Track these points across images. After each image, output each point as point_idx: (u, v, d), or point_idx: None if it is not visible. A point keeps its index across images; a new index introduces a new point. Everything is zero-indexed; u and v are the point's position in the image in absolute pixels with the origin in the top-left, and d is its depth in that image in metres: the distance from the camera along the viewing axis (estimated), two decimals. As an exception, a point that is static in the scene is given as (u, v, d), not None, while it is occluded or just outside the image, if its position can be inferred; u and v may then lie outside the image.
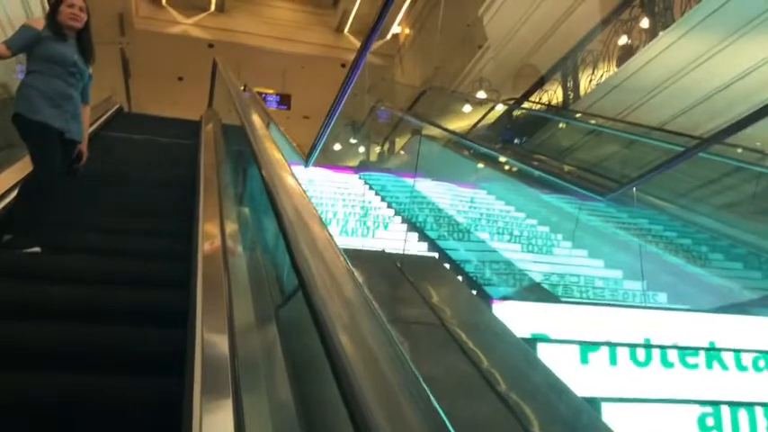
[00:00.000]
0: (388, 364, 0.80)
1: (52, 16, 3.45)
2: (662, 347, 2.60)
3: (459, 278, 3.78)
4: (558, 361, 2.36)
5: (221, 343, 1.73)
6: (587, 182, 4.80)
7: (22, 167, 3.74)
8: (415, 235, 5.95)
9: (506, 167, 7.98)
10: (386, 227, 6.06)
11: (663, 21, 6.67)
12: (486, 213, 6.55)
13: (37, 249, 3.09)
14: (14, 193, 3.46)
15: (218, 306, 2.00)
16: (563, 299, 3.53)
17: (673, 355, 2.58)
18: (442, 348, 2.17)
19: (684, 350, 2.62)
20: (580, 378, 2.40)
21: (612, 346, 2.53)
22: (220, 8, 13.71)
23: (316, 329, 0.94)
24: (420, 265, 2.84)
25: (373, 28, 3.19)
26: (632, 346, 2.56)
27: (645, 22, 7.39)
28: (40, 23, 3.43)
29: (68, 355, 2.08)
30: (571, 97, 8.06)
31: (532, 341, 2.49)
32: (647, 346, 2.65)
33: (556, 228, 4.98)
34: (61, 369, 1.98)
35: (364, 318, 0.94)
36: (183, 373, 1.75)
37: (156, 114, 11.27)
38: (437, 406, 0.71)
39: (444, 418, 0.68)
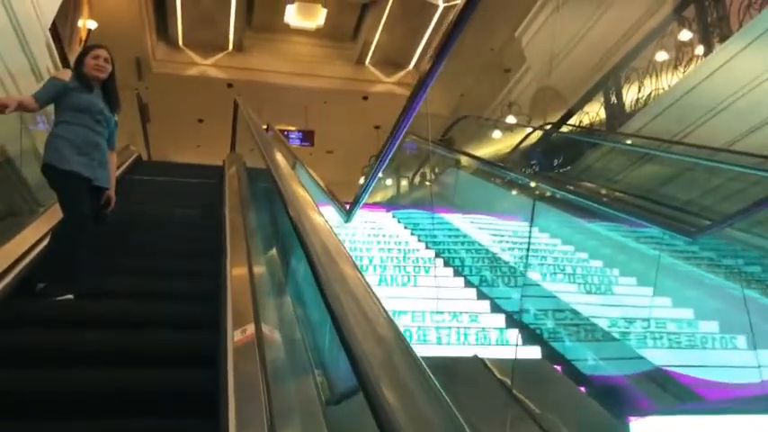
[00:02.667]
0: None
1: (78, 68, 3.58)
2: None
3: (582, 389, 3.12)
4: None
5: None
6: (663, 217, 4.18)
7: (51, 217, 3.82)
8: (460, 280, 5.40)
9: (547, 194, 7.41)
10: (427, 271, 5.50)
11: (718, 31, 6.10)
12: (542, 253, 5.96)
13: (70, 296, 3.18)
14: (46, 242, 3.56)
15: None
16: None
17: None
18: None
19: None
20: None
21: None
22: (238, 47, 13.47)
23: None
24: (528, 374, 2.28)
25: (437, 61, 2.65)
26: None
27: (685, 35, 6.83)
28: (66, 75, 3.57)
29: (102, 400, 2.17)
30: (615, 118, 7.48)
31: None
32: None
33: (637, 275, 4.34)
34: (94, 415, 2.10)
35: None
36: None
37: (176, 162, 10.96)
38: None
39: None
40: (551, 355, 4.04)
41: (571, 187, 6.17)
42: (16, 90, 4.29)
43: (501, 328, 4.29)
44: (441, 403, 0.82)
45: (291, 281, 2.75)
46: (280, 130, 10.53)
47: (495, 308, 4.71)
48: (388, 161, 3.39)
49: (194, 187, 6.66)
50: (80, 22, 9.16)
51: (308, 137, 13.98)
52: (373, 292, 1.21)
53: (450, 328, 4.19)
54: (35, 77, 4.78)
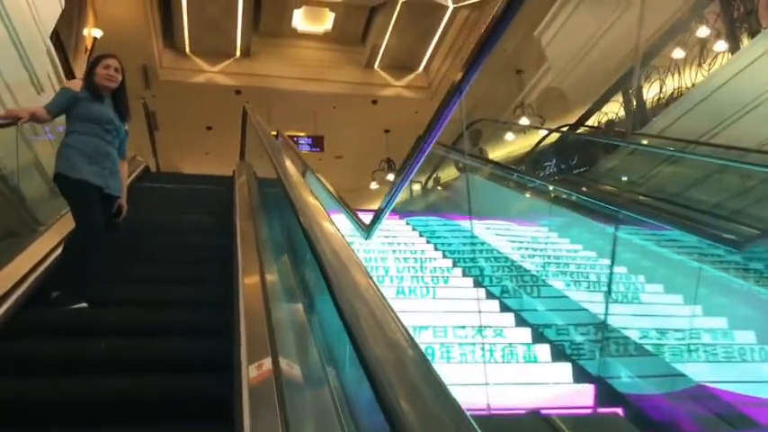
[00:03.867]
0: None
1: (89, 78, 3.58)
2: None
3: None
4: None
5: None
6: (703, 225, 3.92)
7: (63, 226, 3.82)
8: (481, 291, 5.16)
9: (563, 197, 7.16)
10: (446, 281, 5.27)
11: (746, 26, 5.84)
12: (563, 259, 5.71)
13: (84, 305, 3.20)
14: (59, 251, 3.55)
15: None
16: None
17: None
18: None
19: None
20: None
21: None
22: (246, 53, 13.30)
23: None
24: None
25: (477, 55, 2.42)
26: None
27: (704, 31, 6.58)
28: (77, 85, 3.59)
29: (116, 408, 2.19)
30: (637, 118, 7.22)
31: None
32: None
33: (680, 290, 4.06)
34: (108, 423, 2.12)
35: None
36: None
37: (185, 173, 10.78)
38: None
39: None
40: (581, 372, 3.80)
41: (587, 190, 5.92)
42: (14, 102, 4.11)
43: (528, 344, 4.05)
44: (456, 411, 0.80)
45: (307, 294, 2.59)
46: (289, 136, 10.34)
47: (520, 321, 4.47)
48: (413, 175, 3.11)
49: (204, 198, 6.45)
50: (85, 31, 9.01)
51: (317, 142, 13.79)
52: (386, 301, 1.17)
53: (474, 344, 3.95)
54: (35, 89, 4.59)
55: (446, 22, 12.34)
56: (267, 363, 1.88)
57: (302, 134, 13.81)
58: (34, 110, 3.45)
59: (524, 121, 11.41)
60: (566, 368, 3.73)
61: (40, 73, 4.70)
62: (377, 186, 15.97)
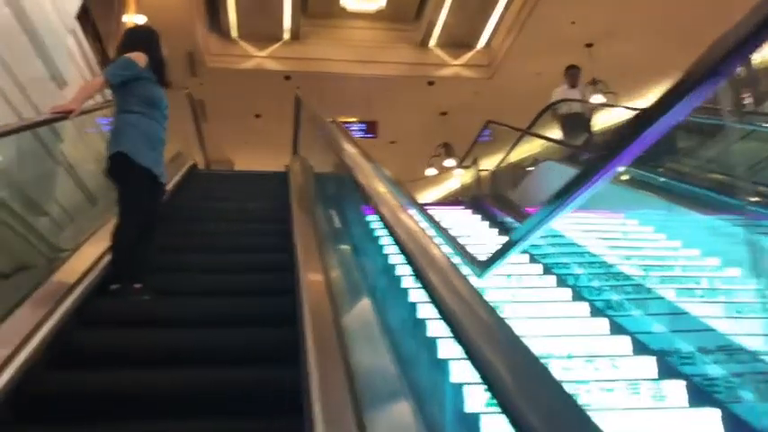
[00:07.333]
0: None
1: (158, 57, 3.42)
2: None
3: None
4: None
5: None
6: None
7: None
8: (584, 306, 4.34)
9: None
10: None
11: None
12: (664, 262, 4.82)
13: (144, 296, 3.14)
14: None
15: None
16: None
17: None
18: None
19: None
20: None
21: None
22: (295, 36, 12.64)
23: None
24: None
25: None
26: None
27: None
28: (141, 60, 3.34)
29: (181, 400, 2.22)
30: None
31: None
32: None
33: None
34: (174, 416, 2.12)
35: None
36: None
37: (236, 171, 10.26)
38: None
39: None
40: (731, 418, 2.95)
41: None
42: (27, 102, 3.53)
43: (655, 379, 3.23)
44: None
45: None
46: (342, 122, 9.65)
47: (639, 345, 3.63)
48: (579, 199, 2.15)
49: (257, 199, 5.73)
50: (126, 17, 8.53)
51: (371, 128, 13.06)
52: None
53: (587, 381, 3.15)
54: (56, 83, 3.99)
55: (508, -7, 11.34)
56: None
57: (354, 120, 13.10)
58: (88, 87, 3.26)
59: (598, 98, 10.42)
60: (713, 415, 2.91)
61: (61, 66, 4.07)
62: (433, 172, 15.16)
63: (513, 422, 0.81)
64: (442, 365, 2.99)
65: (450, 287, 1.27)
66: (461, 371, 2.96)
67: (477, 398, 2.77)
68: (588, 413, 0.80)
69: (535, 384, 0.83)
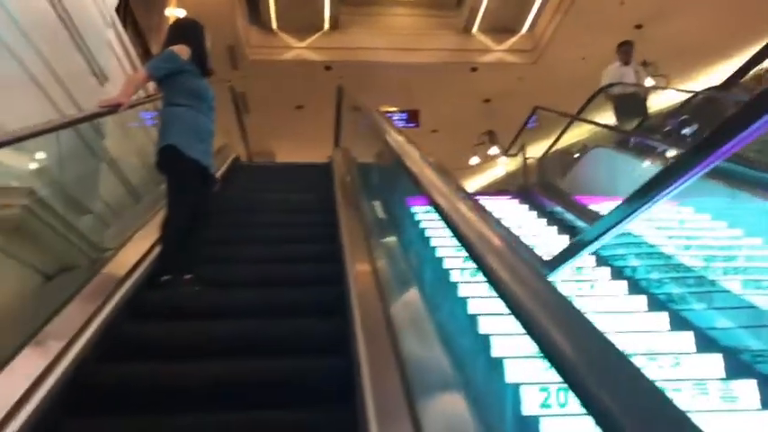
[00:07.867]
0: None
1: (202, 50, 3.42)
2: None
3: None
4: None
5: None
6: None
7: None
8: (642, 299, 4.14)
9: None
10: (591, 287, 4.24)
11: None
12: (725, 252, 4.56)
13: (194, 287, 3.14)
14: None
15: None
16: None
17: None
18: None
19: None
20: None
21: None
22: (335, 25, 12.57)
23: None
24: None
25: None
26: None
27: None
28: (184, 53, 3.33)
29: (234, 390, 2.18)
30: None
31: None
32: None
33: None
34: (224, 407, 2.09)
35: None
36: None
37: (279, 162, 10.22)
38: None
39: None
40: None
41: None
42: (67, 97, 3.53)
43: (724, 379, 3.04)
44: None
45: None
46: (384, 112, 9.54)
47: (704, 341, 3.44)
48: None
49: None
50: (167, 11, 8.59)
51: (412, 117, 12.92)
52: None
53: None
54: (96, 78, 3.98)
55: (553, -25, 11.03)
56: None
57: (395, 109, 12.98)
58: (133, 81, 3.26)
59: (648, 81, 10.03)
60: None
61: (100, 57, 4.06)
62: (477, 161, 14.93)
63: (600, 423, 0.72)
64: (495, 364, 2.88)
65: (525, 285, 1.16)
66: (516, 370, 2.84)
67: (532, 398, 2.64)
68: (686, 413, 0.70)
69: (630, 387, 0.73)
